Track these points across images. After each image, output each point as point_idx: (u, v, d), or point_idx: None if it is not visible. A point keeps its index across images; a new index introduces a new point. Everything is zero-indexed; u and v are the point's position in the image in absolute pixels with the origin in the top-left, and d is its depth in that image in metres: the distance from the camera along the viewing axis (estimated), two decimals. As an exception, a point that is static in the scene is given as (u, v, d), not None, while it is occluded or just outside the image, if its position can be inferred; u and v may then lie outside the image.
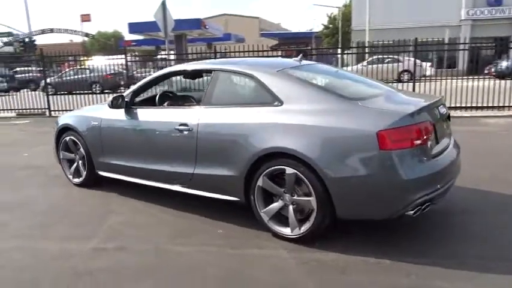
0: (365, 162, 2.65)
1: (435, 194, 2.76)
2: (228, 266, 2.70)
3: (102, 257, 2.88)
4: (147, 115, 3.79)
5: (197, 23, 27.45)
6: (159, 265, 2.74)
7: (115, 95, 3.99)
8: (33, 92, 14.22)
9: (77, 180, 4.51)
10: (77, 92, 12.74)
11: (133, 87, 4.03)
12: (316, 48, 28.16)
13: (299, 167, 2.82)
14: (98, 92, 16.24)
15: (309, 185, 2.81)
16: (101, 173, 4.24)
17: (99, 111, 4.20)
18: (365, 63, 17.96)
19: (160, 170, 3.65)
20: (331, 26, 35.77)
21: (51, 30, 40.79)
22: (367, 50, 15.89)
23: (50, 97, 11.62)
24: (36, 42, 35.10)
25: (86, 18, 47.84)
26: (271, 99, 3.09)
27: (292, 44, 34.03)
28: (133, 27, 28.75)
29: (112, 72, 17.25)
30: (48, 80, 17.82)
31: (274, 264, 2.71)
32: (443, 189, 2.85)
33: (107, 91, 16.42)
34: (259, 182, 3.04)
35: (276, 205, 3.05)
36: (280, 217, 3.05)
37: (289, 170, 2.88)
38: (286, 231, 3.00)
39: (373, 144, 2.61)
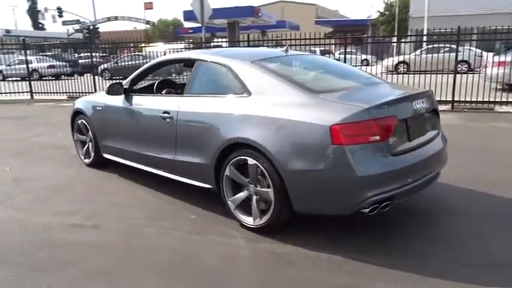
0: (318, 156, 2.60)
1: (396, 192, 2.63)
2: (182, 250, 2.81)
3: (77, 233, 3.11)
4: (140, 102, 3.97)
5: (250, 11, 27.54)
6: (120, 244, 2.91)
7: (112, 82, 4.22)
8: (95, 77, 15.13)
9: (87, 160, 4.85)
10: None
11: (132, 76, 4.23)
12: (372, 36, 27.07)
13: (259, 158, 2.83)
14: (149, 78, 16.87)
15: (267, 177, 2.82)
16: (105, 155, 4.53)
17: (104, 97, 4.46)
18: (418, 52, 17.02)
19: (148, 155, 3.83)
20: (387, 13, 34.06)
21: (116, 18, 43.15)
22: (419, 38, 15.02)
23: (99, 82, 12.39)
24: (100, 29, 37.41)
25: (148, 6, 49.90)
26: (241, 90, 3.11)
27: (348, 31, 32.94)
28: (188, 15, 29.35)
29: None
30: (106, 66, 19.09)
31: (227, 252, 2.76)
32: (409, 187, 2.72)
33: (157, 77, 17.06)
34: (227, 171, 3.09)
35: (241, 195, 3.09)
36: (246, 207, 3.08)
37: (251, 161, 2.90)
38: (249, 220, 3.04)
39: (327, 138, 2.55)
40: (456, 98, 8.85)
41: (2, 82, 16.15)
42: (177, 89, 4.48)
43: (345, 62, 10.14)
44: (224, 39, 25.34)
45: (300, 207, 2.78)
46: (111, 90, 4.10)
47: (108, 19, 42.46)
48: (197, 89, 3.48)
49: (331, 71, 3.68)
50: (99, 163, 4.70)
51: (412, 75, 9.43)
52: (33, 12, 51.09)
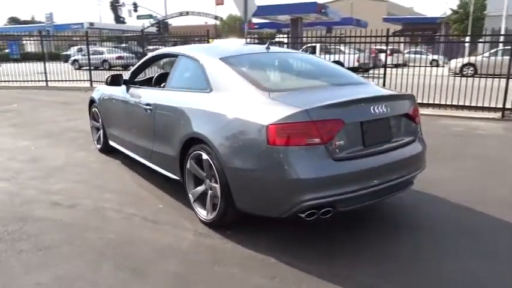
0: (256, 156, 2.57)
1: (337, 198, 2.52)
2: (129, 235, 2.92)
3: (52, 210, 3.38)
4: (134, 93, 4.16)
5: (313, 7, 27.15)
6: (80, 224, 3.12)
7: (112, 73, 4.47)
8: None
9: (98, 146, 5.21)
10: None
11: (132, 68, 4.45)
12: (445, 35, 25.30)
13: (210, 153, 2.86)
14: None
15: (215, 172, 2.84)
16: (110, 142, 4.82)
17: (111, 87, 4.73)
18: (486, 54, 15.62)
19: (135, 144, 4.04)
20: (461, 10, 31.43)
21: (187, 13, 44.90)
22: (488, 39, 13.74)
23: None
24: (174, 24, 39.25)
25: (219, 1, 51.20)
26: (205, 85, 3.15)
27: (418, 30, 31.10)
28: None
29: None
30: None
31: (169, 243, 2.81)
32: (355, 195, 2.58)
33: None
34: (188, 165, 3.16)
35: (199, 188, 3.14)
36: (204, 201, 3.13)
37: (204, 156, 2.93)
38: (203, 214, 3.08)
39: (263, 138, 2.50)
40: (509, 106, 8.04)
41: (76, 71, 17.64)
42: None
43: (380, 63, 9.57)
44: (283, 36, 25.30)
45: (241, 206, 2.76)
46: (109, 81, 4.35)
47: (180, 14, 44.31)
48: (174, 83, 3.58)
49: (305, 69, 3.57)
50: (108, 149, 5.00)
51: (478, 78, 8.63)
52: (115, 7, 54.95)
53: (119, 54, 21.96)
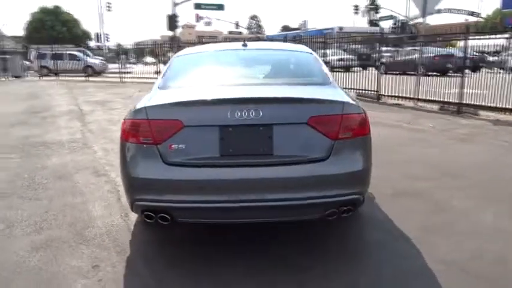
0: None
1: (170, 206, 2.35)
2: (87, 202, 3.52)
3: (86, 176, 4.31)
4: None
5: None
6: (83, 189, 3.92)
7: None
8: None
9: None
10: (406, 72, 12.53)
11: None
12: None
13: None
14: (421, 73, 14.59)
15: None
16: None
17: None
18: None
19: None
20: None
21: (438, 11, 41.29)
22: None
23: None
24: (429, 24, 37.06)
25: (485, -5, 44.59)
26: (162, 83, 3.35)
27: None
28: (507, 3, 24.75)
29: (440, 54, 15.99)
30: (383, 60, 19.16)
31: (95, 215, 3.27)
32: (199, 206, 2.34)
33: (430, 73, 15.18)
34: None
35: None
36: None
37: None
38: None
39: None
40: None
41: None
42: None
43: None
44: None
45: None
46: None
47: (438, 11, 41.29)
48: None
49: (254, 68, 3.20)
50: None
51: None
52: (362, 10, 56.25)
53: (341, 57, 22.57)
